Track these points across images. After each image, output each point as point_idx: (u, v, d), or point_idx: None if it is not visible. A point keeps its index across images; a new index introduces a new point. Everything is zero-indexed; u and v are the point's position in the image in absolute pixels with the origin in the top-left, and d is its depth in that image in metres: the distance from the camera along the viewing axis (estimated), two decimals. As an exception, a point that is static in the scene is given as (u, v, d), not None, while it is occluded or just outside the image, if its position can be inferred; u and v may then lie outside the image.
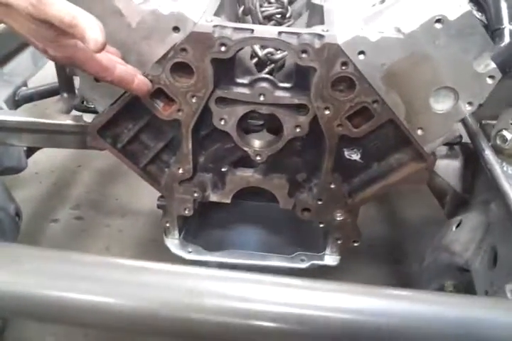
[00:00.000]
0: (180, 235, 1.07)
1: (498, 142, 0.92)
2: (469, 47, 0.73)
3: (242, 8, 0.99)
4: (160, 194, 1.02)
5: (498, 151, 0.92)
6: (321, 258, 1.05)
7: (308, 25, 0.94)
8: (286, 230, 1.14)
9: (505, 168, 0.89)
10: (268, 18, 1.01)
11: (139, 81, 0.76)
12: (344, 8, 0.83)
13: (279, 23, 1.03)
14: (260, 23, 1.01)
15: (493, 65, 0.75)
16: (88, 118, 1.03)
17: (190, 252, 1.05)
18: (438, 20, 0.70)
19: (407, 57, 0.74)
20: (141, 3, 0.76)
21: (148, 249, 1.62)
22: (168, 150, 0.97)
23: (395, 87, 0.78)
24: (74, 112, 1.15)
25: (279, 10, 1.04)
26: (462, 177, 1.03)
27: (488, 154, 0.90)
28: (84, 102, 1.01)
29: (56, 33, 0.67)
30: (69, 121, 1.04)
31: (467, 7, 0.70)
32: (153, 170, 0.98)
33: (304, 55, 0.75)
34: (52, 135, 1.05)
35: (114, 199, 1.80)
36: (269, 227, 1.15)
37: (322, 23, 0.82)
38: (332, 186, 0.93)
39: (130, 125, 0.93)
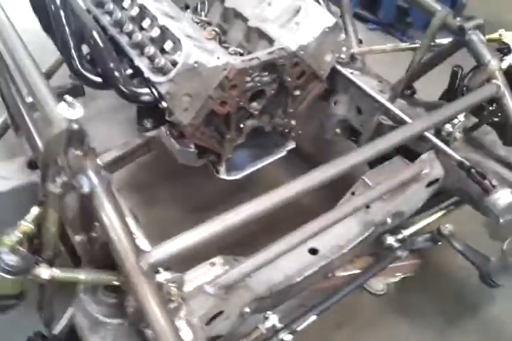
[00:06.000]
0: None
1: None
2: (337, 31, 1.69)
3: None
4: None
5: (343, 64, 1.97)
6: (288, 146, 2.03)
7: (249, 39, 1.73)
8: (261, 145, 2.05)
9: (349, 71, 1.96)
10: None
11: None
12: (273, 29, 1.67)
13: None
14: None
15: (342, 36, 1.74)
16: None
17: (236, 175, 1.90)
18: (327, 28, 1.64)
19: (316, 46, 1.67)
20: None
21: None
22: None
23: (313, 58, 1.71)
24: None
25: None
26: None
27: (340, 67, 1.94)
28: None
29: None
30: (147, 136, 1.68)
31: (333, 19, 1.64)
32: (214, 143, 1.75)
33: (281, 60, 1.61)
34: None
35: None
36: (252, 146, 2.03)
37: (269, 39, 1.65)
38: (291, 110, 1.87)
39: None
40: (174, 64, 1.47)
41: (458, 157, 1.66)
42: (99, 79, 1.53)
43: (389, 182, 1.65)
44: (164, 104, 1.49)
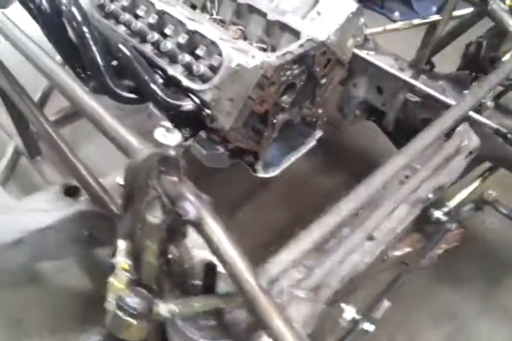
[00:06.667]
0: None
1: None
2: (359, 16, 1.66)
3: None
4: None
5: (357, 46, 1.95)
6: (316, 135, 2.01)
7: (270, 33, 1.67)
8: (289, 137, 2.01)
9: (364, 53, 1.93)
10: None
11: None
12: (295, 20, 1.62)
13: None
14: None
15: (362, 20, 1.71)
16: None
17: (274, 171, 1.87)
18: (351, 13, 1.60)
19: (341, 33, 1.64)
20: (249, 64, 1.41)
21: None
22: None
23: (338, 45, 1.68)
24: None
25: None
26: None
27: (356, 50, 1.92)
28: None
29: None
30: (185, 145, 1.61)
31: (355, 4, 1.61)
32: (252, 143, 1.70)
33: (312, 52, 1.57)
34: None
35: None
36: (282, 140, 1.99)
37: (293, 31, 1.61)
38: (319, 99, 1.84)
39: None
40: (212, 69, 1.42)
41: (494, 125, 1.69)
42: (133, 95, 1.46)
43: (435, 160, 1.66)
44: (208, 112, 1.44)
